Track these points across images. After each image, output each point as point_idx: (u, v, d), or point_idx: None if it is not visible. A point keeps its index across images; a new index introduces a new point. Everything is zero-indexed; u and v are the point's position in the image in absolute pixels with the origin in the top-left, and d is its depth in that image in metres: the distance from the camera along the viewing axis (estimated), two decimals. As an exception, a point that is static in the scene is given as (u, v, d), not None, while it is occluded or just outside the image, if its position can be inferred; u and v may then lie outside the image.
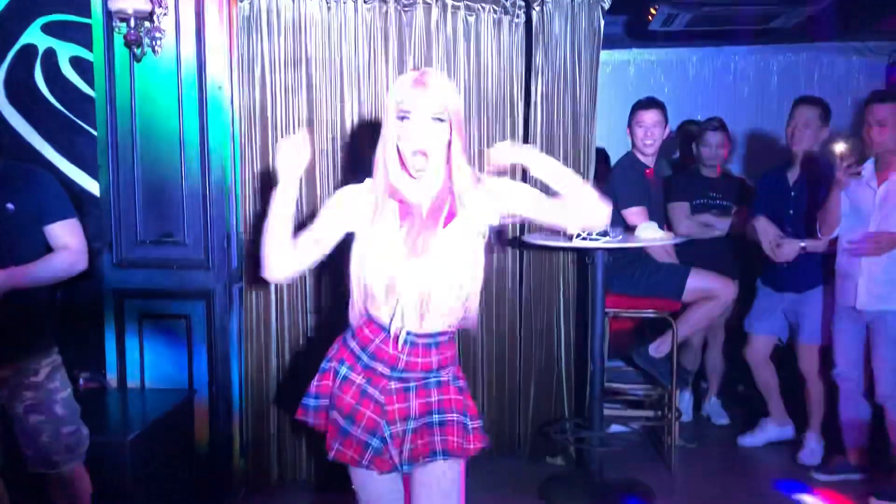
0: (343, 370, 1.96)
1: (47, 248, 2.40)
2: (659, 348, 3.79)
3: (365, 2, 3.32)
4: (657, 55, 5.83)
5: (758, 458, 3.88)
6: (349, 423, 1.92)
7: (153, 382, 3.34)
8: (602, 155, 4.53)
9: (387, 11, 3.35)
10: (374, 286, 1.87)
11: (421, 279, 1.85)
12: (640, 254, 3.74)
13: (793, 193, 3.75)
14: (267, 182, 3.31)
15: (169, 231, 3.29)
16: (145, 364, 3.34)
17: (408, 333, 1.89)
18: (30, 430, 2.40)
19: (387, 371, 1.93)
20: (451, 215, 1.89)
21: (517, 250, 3.61)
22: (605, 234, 3.14)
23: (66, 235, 2.40)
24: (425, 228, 1.85)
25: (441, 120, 1.82)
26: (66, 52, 3.34)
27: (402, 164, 1.87)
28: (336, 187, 3.32)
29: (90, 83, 3.31)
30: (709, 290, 3.70)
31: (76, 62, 3.34)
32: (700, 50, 5.78)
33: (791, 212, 3.74)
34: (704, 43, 5.68)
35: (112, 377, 3.35)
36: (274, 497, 3.44)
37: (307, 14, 3.29)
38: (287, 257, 1.90)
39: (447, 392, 1.97)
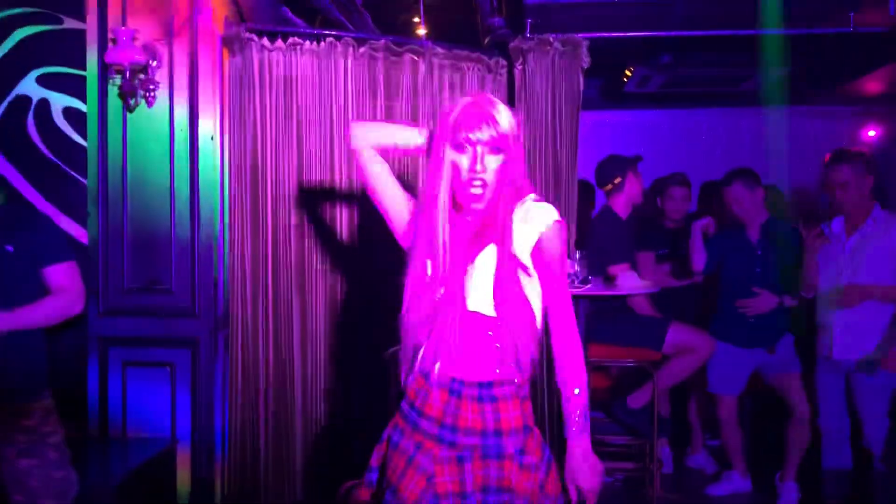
0: (395, 437, 1.79)
1: (45, 291, 2.39)
2: (638, 399, 3.83)
3: (355, 58, 3.43)
4: (632, 117, 6.03)
5: (737, 510, 3.89)
6: (392, 494, 1.72)
7: (135, 430, 3.31)
8: (585, 188, 4.62)
9: (375, 68, 3.47)
10: (405, 317, 1.73)
11: (453, 313, 1.68)
12: (623, 305, 3.82)
13: (759, 252, 3.78)
14: (256, 231, 3.36)
15: (156, 278, 3.31)
16: (128, 412, 3.32)
17: (452, 380, 1.70)
18: (20, 475, 2.35)
19: (434, 430, 1.70)
20: (485, 242, 1.72)
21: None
22: (586, 281, 3.21)
23: (64, 278, 2.39)
24: (458, 256, 1.72)
25: (499, 149, 1.69)
26: (59, 102, 3.41)
27: (454, 196, 1.74)
28: (326, 240, 3.40)
29: (82, 133, 3.36)
30: (688, 344, 3.76)
31: (68, 112, 3.40)
32: (673, 112, 5.98)
33: (758, 270, 3.77)
34: (678, 105, 5.89)
35: (94, 425, 3.32)
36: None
37: (298, 69, 3.39)
38: (371, 147, 1.89)
39: (508, 469, 1.68)
